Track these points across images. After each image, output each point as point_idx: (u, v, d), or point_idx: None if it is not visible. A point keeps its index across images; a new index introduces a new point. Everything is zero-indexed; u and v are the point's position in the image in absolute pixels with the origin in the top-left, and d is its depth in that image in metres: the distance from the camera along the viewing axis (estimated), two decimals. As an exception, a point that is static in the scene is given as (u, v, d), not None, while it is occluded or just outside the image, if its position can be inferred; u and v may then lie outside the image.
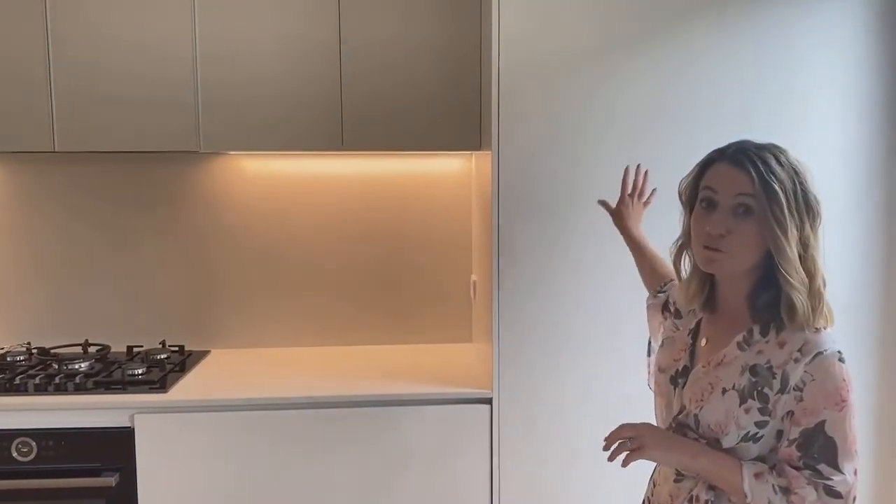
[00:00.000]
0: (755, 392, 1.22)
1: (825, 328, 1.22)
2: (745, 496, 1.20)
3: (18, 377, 2.11)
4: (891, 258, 2.14)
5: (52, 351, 2.37)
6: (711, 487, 1.27)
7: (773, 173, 1.19)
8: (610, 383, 2.05)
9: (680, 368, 1.35)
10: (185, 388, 2.11)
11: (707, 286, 1.34)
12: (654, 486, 1.43)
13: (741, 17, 2.02)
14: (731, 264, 1.24)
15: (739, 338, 1.26)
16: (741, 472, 1.21)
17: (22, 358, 2.30)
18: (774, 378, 1.21)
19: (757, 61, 2.03)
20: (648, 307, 1.62)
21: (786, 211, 1.18)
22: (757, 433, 1.22)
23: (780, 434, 1.22)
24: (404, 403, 2.05)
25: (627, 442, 1.28)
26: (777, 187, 1.18)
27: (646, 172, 1.82)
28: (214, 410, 2.01)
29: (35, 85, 2.12)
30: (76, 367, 2.19)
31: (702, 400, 1.27)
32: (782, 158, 1.21)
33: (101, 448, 1.98)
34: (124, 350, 2.41)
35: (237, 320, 2.55)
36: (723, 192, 1.23)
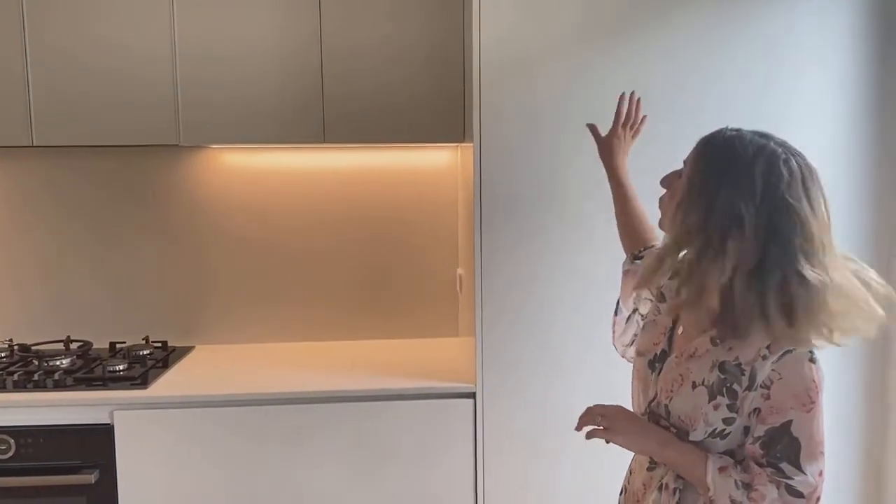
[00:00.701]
0: (724, 388, 1.20)
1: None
2: (708, 489, 1.19)
3: (-2, 374, 2.09)
4: (879, 252, 2.11)
5: (33, 347, 2.34)
6: (680, 476, 1.26)
7: (724, 146, 1.18)
8: (594, 377, 2.03)
9: (658, 353, 1.34)
10: (167, 384, 2.08)
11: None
12: (631, 473, 1.43)
13: (728, 4, 1.99)
14: (664, 223, 1.27)
15: (713, 332, 1.24)
16: (706, 465, 1.20)
17: (3, 355, 2.28)
18: (743, 374, 1.19)
19: (742, 49, 2.01)
20: (625, 273, 1.55)
21: (705, 177, 1.17)
22: (724, 430, 1.21)
23: (747, 430, 1.21)
24: (387, 398, 2.03)
25: (598, 419, 1.28)
26: (709, 152, 1.19)
27: (638, 100, 1.68)
28: (195, 406, 1.99)
29: (12, 79, 2.09)
30: (57, 363, 2.17)
31: (672, 391, 1.26)
32: (767, 152, 1.15)
33: (81, 445, 1.96)
34: (107, 346, 2.39)
35: (221, 316, 2.53)
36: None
